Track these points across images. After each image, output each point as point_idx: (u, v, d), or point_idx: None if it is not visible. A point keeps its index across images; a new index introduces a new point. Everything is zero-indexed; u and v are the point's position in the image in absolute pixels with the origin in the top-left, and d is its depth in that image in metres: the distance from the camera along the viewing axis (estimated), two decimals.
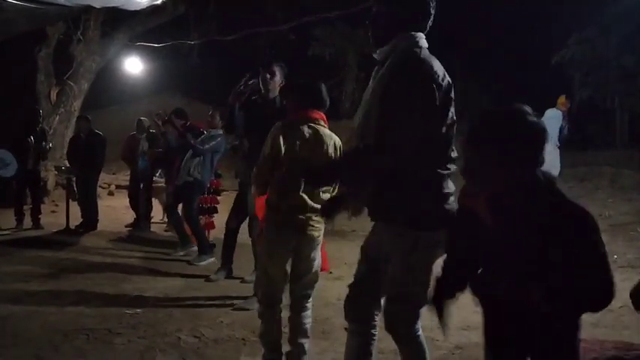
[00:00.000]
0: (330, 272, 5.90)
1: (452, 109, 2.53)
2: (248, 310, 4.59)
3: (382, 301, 2.66)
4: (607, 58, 17.21)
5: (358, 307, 2.74)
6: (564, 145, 9.55)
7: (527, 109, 2.03)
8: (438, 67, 2.49)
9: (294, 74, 4.97)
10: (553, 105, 9.40)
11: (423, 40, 2.57)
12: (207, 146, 6.76)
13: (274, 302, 3.41)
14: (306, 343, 3.43)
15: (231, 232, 5.73)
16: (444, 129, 2.50)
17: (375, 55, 2.66)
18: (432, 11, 2.60)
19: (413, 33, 2.56)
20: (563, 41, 17.28)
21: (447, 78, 2.50)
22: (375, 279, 2.68)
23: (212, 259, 6.54)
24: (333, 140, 3.36)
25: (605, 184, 9.64)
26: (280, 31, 14.16)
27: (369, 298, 2.71)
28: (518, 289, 2.05)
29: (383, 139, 2.44)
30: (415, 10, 2.57)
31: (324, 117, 3.43)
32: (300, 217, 3.28)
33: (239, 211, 5.49)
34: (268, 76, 4.82)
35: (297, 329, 3.41)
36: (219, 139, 6.80)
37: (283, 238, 3.34)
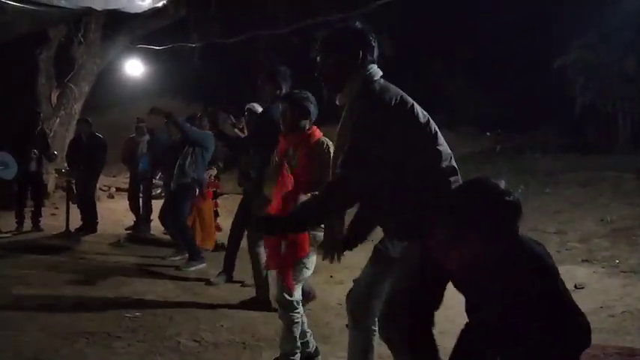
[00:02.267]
0: (331, 276, 5.89)
1: (421, 125, 2.53)
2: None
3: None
4: (609, 63, 17.20)
5: (362, 302, 2.82)
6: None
7: (502, 186, 2.06)
8: (393, 93, 2.52)
9: (297, 77, 4.93)
10: (553, 107, 9.27)
11: (374, 71, 2.61)
12: (195, 130, 6.57)
13: None
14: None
15: (236, 236, 5.71)
16: (424, 146, 2.53)
17: (337, 102, 2.70)
18: (375, 43, 2.64)
19: (363, 69, 2.60)
20: (564, 46, 17.27)
21: (402, 98, 2.52)
22: (381, 280, 2.75)
23: (202, 265, 6.45)
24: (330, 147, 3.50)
25: (607, 189, 9.61)
26: (281, 34, 14.16)
27: (375, 295, 2.78)
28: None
29: (345, 173, 2.48)
30: (361, 48, 2.60)
31: (316, 128, 3.70)
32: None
33: (244, 218, 5.46)
34: (260, 83, 4.87)
35: None
36: (207, 134, 6.67)
37: None
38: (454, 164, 2.56)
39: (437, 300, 2.44)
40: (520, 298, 2.00)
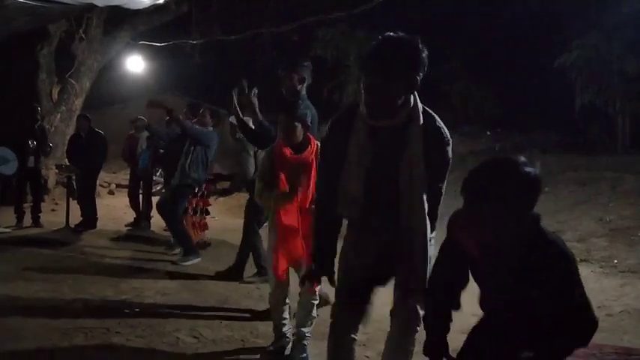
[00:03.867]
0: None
1: None
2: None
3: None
4: (609, 63, 17.17)
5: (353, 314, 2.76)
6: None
7: (522, 159, 2.05)
8: None
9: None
10: (553, 106, 9.25)
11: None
12: (196, 128, 6.55)
13: None
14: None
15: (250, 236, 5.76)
16: None
17: (377, 124, 2.46)
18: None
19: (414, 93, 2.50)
20: (565, 44, 17.25)
21: None
22: (367, 288, 2.70)
23: (198, 259, 6.49)
24: None
25: (606, 189, 9.61)
26: (283, 32, 14.17)
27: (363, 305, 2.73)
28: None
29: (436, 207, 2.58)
30: (419, 72, 2.42)
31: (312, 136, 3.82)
32: None
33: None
34: (283, 74, 4.58)
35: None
36: (208, 132, 6.67)
37: None
38: None
39: (462, 279, 2.34)
40: (536, 282, 2.01)
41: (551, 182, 11.04)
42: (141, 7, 9.17)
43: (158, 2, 9.14)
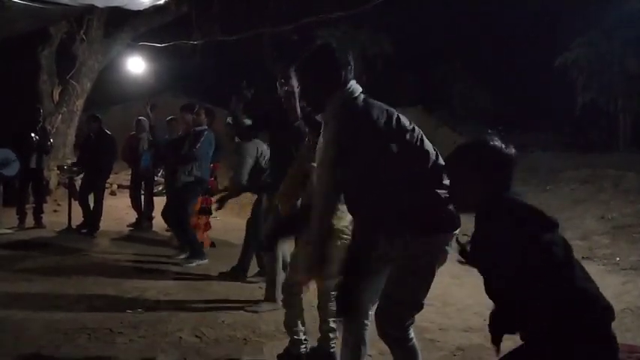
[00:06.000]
0: None
1: (408, 133, 2.61)
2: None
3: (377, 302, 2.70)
4: (610, 62, 17.19)
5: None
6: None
7: (492, 138, 2.25)
8: (378, 109, 2.59)
9: None
10: (554, 105, 9.30)
11: (354, 88, 2.67)
12: (198, 145, 6.54)
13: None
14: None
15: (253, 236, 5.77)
16: (405, 150, 2.58)
17: (319, 119, 2.81)
18: (350, 60, 2.72)
19: (343, 88, 2.65)
20: (566, 44, 17.27)
21: (388, 112, 2.59)
22: (375, 276, 2.74)
23: (204, 261, 6.48)
24: None
25: (608, 187, 9.62)
26: (283, 32, 14.17)
27: (367, 290, 2.77)
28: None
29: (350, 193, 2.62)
30: (335, 71, 2.66)
31: None
32: None
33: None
34: (285, 88, 4.24)
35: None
36: (206, 133, 6.63)
37: None
38: (441, 161, 2.61)
39: None
40: (502, 250, 2.02)
41: (552, 180, 11.06)
42: (141, 8, 9.18)
43: (158, 3, 9.15)
